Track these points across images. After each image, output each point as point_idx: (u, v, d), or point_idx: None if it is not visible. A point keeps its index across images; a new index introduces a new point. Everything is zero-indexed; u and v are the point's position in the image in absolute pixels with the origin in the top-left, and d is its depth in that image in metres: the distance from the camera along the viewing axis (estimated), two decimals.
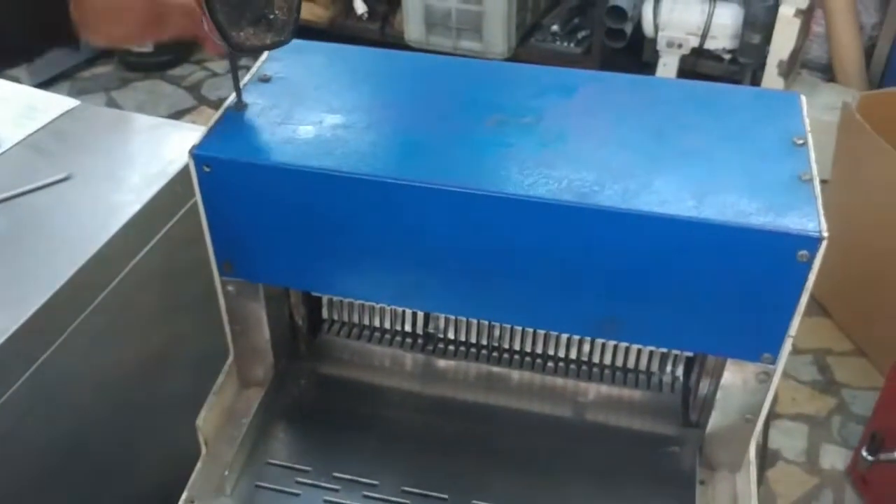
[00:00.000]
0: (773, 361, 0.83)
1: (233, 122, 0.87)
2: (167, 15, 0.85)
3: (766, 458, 0.92)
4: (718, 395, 0.89)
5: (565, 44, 3.08)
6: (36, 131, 1.23)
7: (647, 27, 2.86)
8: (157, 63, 3.29)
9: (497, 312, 0.91)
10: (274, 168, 0.82)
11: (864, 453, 1.61)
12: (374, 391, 1.08)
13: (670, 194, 0.78)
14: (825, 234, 0.74)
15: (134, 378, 1.19)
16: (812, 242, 0.74)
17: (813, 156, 0.83)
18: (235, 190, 0.85)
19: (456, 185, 0.79)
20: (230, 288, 0.94)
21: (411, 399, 1.08)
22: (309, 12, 3.27)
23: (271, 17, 0.79)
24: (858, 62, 2.83)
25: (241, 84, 0.92)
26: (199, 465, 0.94)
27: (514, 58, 3.07)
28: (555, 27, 3.12)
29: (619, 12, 2.82)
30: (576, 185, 0.79)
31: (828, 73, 2.97)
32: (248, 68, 0.96)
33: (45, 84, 2.93)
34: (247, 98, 0.90)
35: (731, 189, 0.79)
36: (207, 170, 0.84)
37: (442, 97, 0.92)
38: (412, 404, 1.07)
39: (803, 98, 0.91)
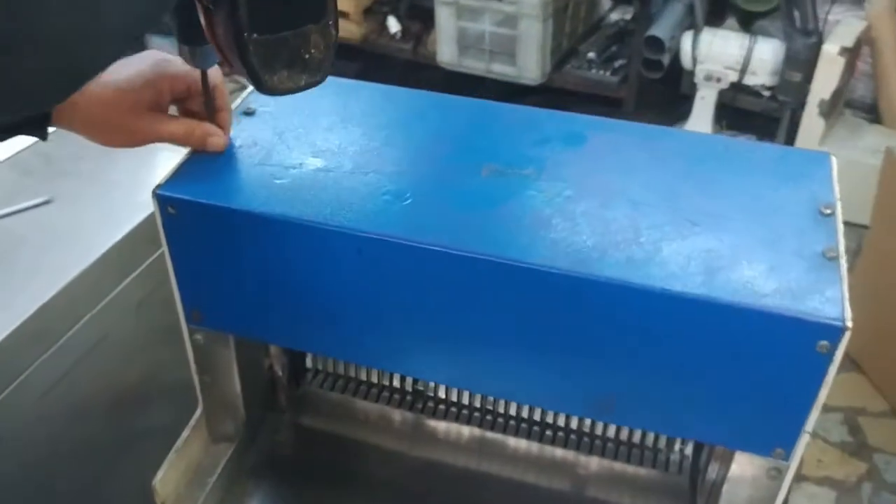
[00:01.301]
0: (786, 457, 0.74)
1: (204, 161, 0.80)
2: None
3: None
4: (725, 487, 0.80)
5: (601, 72, 2.99)
6: (20, 151, 1.17)
7: (686, 59, 2.76)
8: None
9: (481, 384, 0.83)
10: (243, 213, 0.75)
11: None
12: (356, 450, 1.01)
13: (678, 266, 0.69)
14: (849, 324, 0.65)
15: (108, 414, 1.12)
16: (834, 332, 0.65)
17: (841, 228, 0.74)
18: (202, 235, 0.78)
19: (436, 243, 0.71)
20: (198, 337, 0.87)
21: (396, 460, 1.00)
22: (341, 28, 3.23)
23: (306, 56, 0.70)
24: None
25: None
26: None
27: (547, 83, 3.00)
28: (591, 54, 3.04)
29: (656, 43, 2.73)
30: (573, 251, 0.71)
31: (873, 113, 2.85)
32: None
33: None
34: None
35: (747, 264, 0.70)
36: (172, 212, 0.77)
37: (436, 141, 0.84)
38: (397, 466, 1.00)
39: (834, 160, 0.82)
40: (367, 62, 3.38)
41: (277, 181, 0.78)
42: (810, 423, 0.71)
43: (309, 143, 0.83)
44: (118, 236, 1.07)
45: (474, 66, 3.06)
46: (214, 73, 0.80)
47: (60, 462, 1.06)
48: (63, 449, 1.06)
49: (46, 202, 1.11)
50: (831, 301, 0.66)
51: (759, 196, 0.77)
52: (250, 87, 0.91)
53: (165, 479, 0.87)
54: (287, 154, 0.81)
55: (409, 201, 0.76)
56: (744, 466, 0.77)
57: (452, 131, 0.86)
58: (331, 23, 0.68)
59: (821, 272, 0.69)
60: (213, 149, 0.81)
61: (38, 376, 0.99)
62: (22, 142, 1.18)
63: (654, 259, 0.70)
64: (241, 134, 0.84)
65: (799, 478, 1.85)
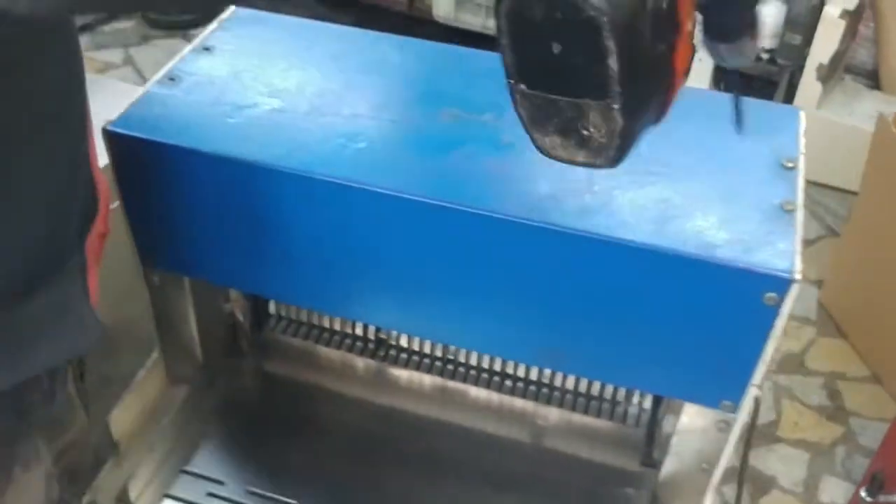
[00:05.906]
0: (734, 410, 0.73)
1: (159, 98, 0.79)
2: None
3: (744, 483, 0.84)
4: (674, 439, 0.80)
5: None
6: None
7: None
8: (180, 21, 3.21)
9: (436, 331, 0.82)
10: (191, 152, 0.74)
11: (863, 494, 1.50)
12: (317, 396, 1.01)
13: (630, 215, 0.68)
14: (798, 276, 0.64)
15: None
16: (781, 284, 0.64)
17: (801, 183, 0.73)
18: (152, 174, 0.77)
19: (388, 187, 0.70)
20: (154, 278, 0.86)
21: (354, 408, 1.00)
22: None
23: (584, 132, 0.59)
24: None
25: (181, 54, 0.84)
26: (106, 465, 0.87)
27: None
28: None
29: None
30: (525, 198, 0.70)
31: (873, 79, 2.81)
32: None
33: None
34: (183, 69, 0.82)
35: (701, 215, 0.69)
36: (122, 149, 0.76)
37: (398, 85, 0.83)
38: (354, 414, 1.00)
39: (802, 115, 0.81)
40: (360, 14, 3.33)
41: (230, 120, 0.77)
42: (758, 375, 0.70)
43: (265, 83, 0.81)
44: None
45: (472, 21, 3.00)
46: None
47: None
48: None
49: None
50: (782, 253, 0.65)
51: (722, 148, 0.76)
52: (212, 25, 0.89)
53: (119, 417, 0.87)
54: (243, 93, 0.80)
55: (363, 145, 0.75)
56: (692, 419, 0.77)
57: (416, 75, 0.84)
58: (617, 107, 0.54)
59: (776, 224, 0.68)
60: None
61: None
62: None
63: (606, 208, 0.69)
64: (198, 71, 0.82)
65: (774, 439, 1.85)
